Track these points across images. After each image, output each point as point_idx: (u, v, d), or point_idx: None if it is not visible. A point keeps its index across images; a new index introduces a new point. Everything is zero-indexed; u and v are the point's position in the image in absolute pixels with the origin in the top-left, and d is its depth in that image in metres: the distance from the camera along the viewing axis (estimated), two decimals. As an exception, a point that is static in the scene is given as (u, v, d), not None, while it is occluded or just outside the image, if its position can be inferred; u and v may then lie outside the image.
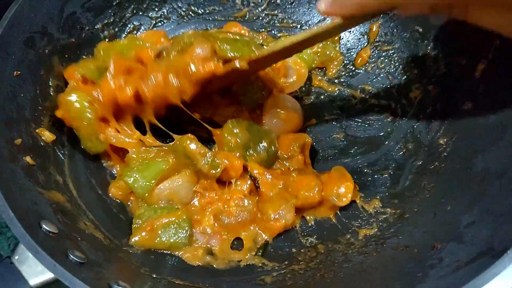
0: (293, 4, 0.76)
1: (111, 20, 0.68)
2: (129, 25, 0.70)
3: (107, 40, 0.68)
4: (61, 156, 0.57)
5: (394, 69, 0.70)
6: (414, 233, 0.52)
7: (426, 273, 0.43)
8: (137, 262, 0.49)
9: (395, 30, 0.70)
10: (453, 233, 0.47)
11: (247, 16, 0.76)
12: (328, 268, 0.52)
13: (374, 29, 0.71)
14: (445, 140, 0.60)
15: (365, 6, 0.43)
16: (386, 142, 0.66)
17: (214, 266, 0.54)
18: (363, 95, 0.70)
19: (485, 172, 0.51)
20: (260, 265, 0.55)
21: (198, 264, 0.54)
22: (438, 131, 0.62)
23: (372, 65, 0.71)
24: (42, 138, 0.54)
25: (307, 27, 0.76)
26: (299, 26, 0.76)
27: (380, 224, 0.57)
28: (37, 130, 0.54)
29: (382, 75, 0.70)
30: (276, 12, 0.76)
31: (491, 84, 0.56)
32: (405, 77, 0.68)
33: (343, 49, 0.74)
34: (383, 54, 0.71)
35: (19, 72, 0.54)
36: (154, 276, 0.48)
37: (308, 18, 0.76)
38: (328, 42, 0.73)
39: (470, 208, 0.48)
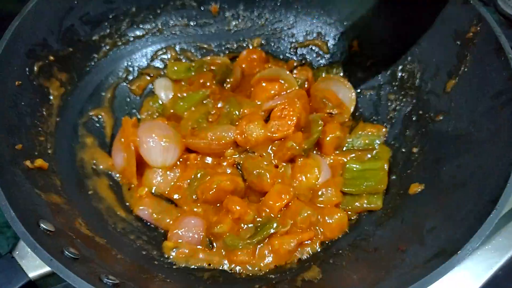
0: (280, 17, 0.81)
1: (108, 32, 0.72)
2: (125, 37, 0.75)
3: (106, 48, 0.72)
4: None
5: (376, 83, 0.74)
6: (383, 236, 0.56)
7: (389, 272, 0.47)
8: (129, 259, 0.53)
9: (376, 46, 0.75)
10: (417, 237, 0.51)
11: (236, 28, 0.81)
12: (303, 266, 0.56)
13: (355, 45, 0.76)
14: (417, 149, 0.64)
15: None
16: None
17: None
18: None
19: (451, 180, 0.55)
20: None
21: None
22: (413, 140, 0.66)
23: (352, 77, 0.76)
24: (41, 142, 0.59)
25: (292, 38, 0.81)
26: (284, 35, 0.81)
27: (355, 228, 0.62)
28: (40, 138, 0.58)
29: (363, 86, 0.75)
30: (264, 22, 0.81)
31: (459, 99, 0.60)
32: (384, 91, 0.73)
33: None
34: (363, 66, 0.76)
35: (20, 82, 0.58)
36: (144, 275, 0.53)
37: (295, 30, 0.81)
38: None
39: (434, 214, 0.53)
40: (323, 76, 0.76)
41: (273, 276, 0.56)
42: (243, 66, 0.77)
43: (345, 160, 0.68)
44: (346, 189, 0.64)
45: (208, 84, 0.72)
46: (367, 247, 0.56)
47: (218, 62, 0.76)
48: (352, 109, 0.72)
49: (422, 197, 0.57)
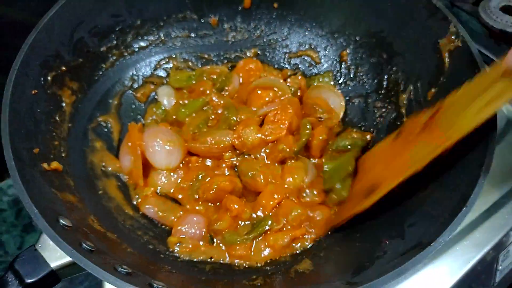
0: (275, 29, 0.87)
1: (114, 44, 0.77)
2: (130, 48, 0.80)
3: (113, 58, 0.78)
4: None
5: (364, 91, 0.80)
6: (368, 231, 0.62)
7: (372, 262, 0.52)
8: (137, 252, 0.58)
9: (363, 56, 0.81)
10: (399, 232, 0.56)
11: (234, 39, 0.87)
12: (296, 259, 0.62)
13: (344, 56, 0.82)
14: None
15: None
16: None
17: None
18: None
19: (429, 182, 0.61)
20: None
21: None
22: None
23: (342, 86, 0.82)
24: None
25: (286, 49, 0.87)
26: (279, 46, 0.87)
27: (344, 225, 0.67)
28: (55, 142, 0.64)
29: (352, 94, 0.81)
30: (260, 34, 0.87)
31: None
32: (371, 99, 0.79)
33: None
34: (352, 76, 0.81)
35: (36, 91, 0.63)
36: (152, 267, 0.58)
37: (289, 42, 0.86)
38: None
39: (413, 211, 0.58)
40: (315, 84, 0.82)
41: (268, 268, 0.61)
42: (240, 74, 0.82)
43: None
44: (326, 187, 0.69)
45: (208, 92, 0.78)
46: (354, 242, 0.61)
47: (217, 71, 0.82)
48: (341, 115, 0.77)
49: (403, 197, 0.63)
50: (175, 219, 0.67)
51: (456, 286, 0.70)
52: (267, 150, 0.71)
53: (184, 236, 0.64)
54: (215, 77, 0.81)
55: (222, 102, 0.77)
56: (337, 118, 0.77)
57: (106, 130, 0.75)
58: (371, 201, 0.60)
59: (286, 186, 0.68)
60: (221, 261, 0.63)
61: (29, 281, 0.48)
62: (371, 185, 0.62)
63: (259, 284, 0.56)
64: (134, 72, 0.81)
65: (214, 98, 0.77)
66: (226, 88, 0.80)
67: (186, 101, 0.80)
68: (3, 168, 1.05)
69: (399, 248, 0.52)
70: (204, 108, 0.78)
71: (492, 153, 0.54)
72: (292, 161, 0.70)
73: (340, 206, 0.68)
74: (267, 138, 0.70)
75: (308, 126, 0.71)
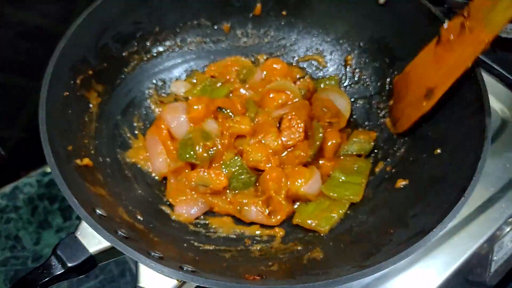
0: (284, 35, 0.92)
1: (135, 49, 0.83)
2: (150, 53, 0.86)
3: (134, 62, 0.83)
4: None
5: (368, 93, 0.86)
6: (375, 222, 0.67)
7: (378, 249, 0.57)
8: (164, 242, 0.64)
9: (367, 60, 0.86)
10: (402, 222, 0.61)
11: (245, 44, 0.92)
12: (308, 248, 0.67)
13: (349, 60, 0.87)
14: (402, 150, 0.75)
15: None
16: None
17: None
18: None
19: (430, 176, 0.66)
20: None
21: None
22: (399, 143, 0.77)
23: (348, 88, 0.87)
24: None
25: (294, 53, 0.92)
26: (287, 51, 0.92)
27: (351, 217, 0.72)
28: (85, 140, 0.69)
29: (356, 96, 0.86)
30: (269, 40, 0.92)
31: (437, 108, 0.71)
32: (375, 100, 0.84)
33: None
34: (356, 79, 0.87)
35: (67, 93, 0.68)
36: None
37: (297, 47, 0.92)
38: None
39: (416, 203, 0.63)
40: (322, 87, 0.87)
41: (282, 256, 0.66)
42: (264, 72, 0.87)
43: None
44: (326, 192, 0.73)
45: (232, 80, 0.83)
46: (361, 232, 0.67)
47: (241, 62, 0.88)
48: (347, 116, 0.83)
49: (407, 190, 0.68)
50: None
51: (453, 276, 0.75)
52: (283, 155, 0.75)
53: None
54: (238, 68, 0.86)
55: (247, 94, 0.81)
56: (344, 120, 0.82)
57: (130, 128, 0.80)
58: (433, 102, 0.67)
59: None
60: (239, 248, 0.68)
61: (70, 265, 0.53)
62: (427, 89, 0.68)
63: (275, 269, 0.61)
64: (153, 75, 0.87)
65: (241, 90, 0.81)
66: (248, 81, 0.85)
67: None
68: (19, 167, 1.10)
69: (403, 236, 0.58)
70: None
71: (487, 151, 0.59)
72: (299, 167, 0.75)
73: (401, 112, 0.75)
74: (287, 143, 0.74)
75: (320, 130, 0.75)
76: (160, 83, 0.87)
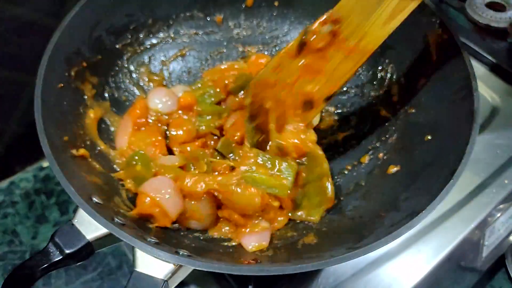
0: (276, 26, 0.93)
1: (128, 41, 0.83)
2: (143, 45, 0.86)
3: (128, 55, 0.84)
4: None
5: (360, 82, 0.87)
6: (368, 207, 0.68)
7: (371, 231, 0.58)
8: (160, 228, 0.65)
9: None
10: (394, 205, 0.63)
11: (238, 36, 0.93)
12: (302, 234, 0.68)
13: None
14: (394, 137, 0.76)
15: None
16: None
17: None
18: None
19: (421, 161, 0.68)
20: None
21: None
22: (391, 130, 0.78)
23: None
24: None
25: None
26: (280, 42, 0.94)
27: (344, 203, 0.74)
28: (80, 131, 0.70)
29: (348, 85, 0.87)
30: (262, 30, 0.93)
31: (428, 94, 0.73)
32: (367, 89, 0.85)
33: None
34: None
35: (62, 85, 0.69)
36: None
37: (289, 37, 0.93)
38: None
39: (407, 187, 0.65)
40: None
41: (277, 242, 0.67)
42: (250, 70, 0.87)
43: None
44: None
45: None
46: (354, 217, 0.68)
47: (236, 67, 0.88)
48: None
49: (398, 175, 0.69)
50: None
51: (445, 261, 0.76)
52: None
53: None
54: (230, 80, 0.84)
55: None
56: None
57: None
58: (316, 112, 0.67)
59: None
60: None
61: (68, 251, 0.54)
62: (303, 102, 0.65)
63: (271, 254, 0.63)
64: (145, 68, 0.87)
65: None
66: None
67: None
68: (15, 162, 1.11)
69: (395, 218, 0.59)
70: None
71: (475, 135, 0.60)
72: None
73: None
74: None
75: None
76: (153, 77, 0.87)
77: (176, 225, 0.67)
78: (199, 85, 0.85)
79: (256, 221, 0.67)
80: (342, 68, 0.63)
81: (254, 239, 0.66)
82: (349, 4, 0.61)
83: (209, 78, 0.86)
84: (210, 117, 0.79)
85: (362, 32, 0.60)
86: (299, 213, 0.71)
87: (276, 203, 0.67)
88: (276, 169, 0.66)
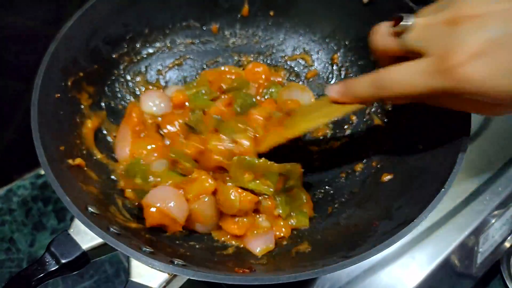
0: (271, 35, 0.94)
1: (125, 51, 0.84)
2: (140, 54, 0.87)
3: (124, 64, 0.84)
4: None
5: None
6: (362, 215, 0.69)
7: (365, 240, 0.59)
8: (156, 239, 0.65)
9: (352, 59, 0.88)
10: (387, 214, 0.63)
11: (234, 45, 0.94)
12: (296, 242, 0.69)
13: (335, 59, 0.89)
14: (388, 146, 0.77)
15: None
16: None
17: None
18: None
19: (413, 170, 0.68)
20: None
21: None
22: (383, 138, 0.79)
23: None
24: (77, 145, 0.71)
25: (282, 53, 0.94)
26: (275, 51, 0.94)
27: (339, 211, 0.74)
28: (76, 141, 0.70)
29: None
30: (258, 40, 0.94)
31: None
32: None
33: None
34: (343, 77, 0.89)
35: (59, 95, 0.69)
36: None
37: (284, 46, 0.94)
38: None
39: (400, 196, 0.65)
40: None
41: (271, 250, 0.68)
42: (247, 78, 0.88)
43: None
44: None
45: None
46: (348, 225, 0.69)
47: (233, 71, 0.89)
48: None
49: (392, 184, 0.70)
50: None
51: (440, 267, 0.77)
52: None
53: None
54: (232, 77, 0.86)
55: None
56: None
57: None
58: None
59: None
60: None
61: (64, 261, 0.54)
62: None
63: (265, 262, 0.63)
64: (143, 78, 0.88)
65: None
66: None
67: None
68: (12, 170, 1.11)
69: (387, 227, 0.59)
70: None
71: (467, 143, 0.61)
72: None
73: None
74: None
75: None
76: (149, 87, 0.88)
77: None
78: (194, 84, 0.86)
79: (258, 217, 0.70)
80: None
81: (259, 243, 0.67)
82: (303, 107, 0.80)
83: (207, 77, 0.87)
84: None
85: (295, 123, 0.71)
86: (290, 222, 0.72)
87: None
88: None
